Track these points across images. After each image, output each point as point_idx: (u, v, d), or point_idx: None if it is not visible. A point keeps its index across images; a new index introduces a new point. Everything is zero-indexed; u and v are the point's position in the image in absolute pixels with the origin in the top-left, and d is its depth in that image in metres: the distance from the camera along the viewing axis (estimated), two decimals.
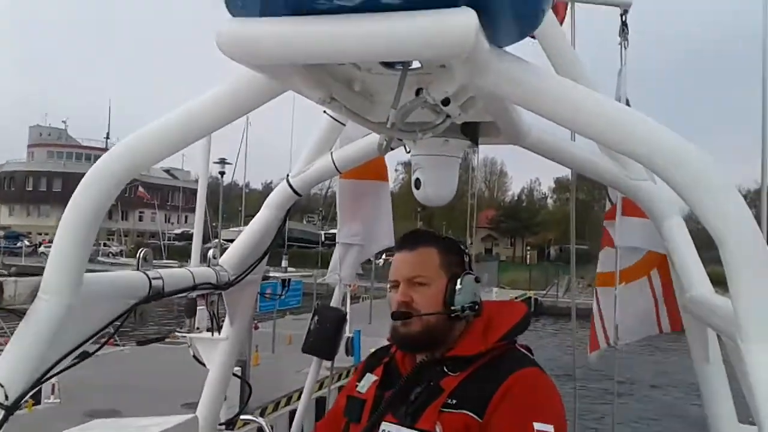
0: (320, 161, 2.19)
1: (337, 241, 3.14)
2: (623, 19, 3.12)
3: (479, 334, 1.72)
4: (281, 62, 1.18)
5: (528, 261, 57.18)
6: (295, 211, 2.36)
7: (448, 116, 1.44)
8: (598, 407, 14.14)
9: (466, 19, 1.02)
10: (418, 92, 1.36)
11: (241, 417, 2.55)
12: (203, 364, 2.25)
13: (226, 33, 1.13)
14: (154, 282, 1.64)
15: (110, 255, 58.81)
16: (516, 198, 76.50)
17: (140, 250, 1.82)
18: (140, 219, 63.46)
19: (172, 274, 1.79)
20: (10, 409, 1.19)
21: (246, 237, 2.15)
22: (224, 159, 19.17)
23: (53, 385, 12.53)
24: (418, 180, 1.94)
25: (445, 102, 1.37)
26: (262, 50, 1.12)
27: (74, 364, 1.37)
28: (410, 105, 1.36)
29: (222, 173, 21.15)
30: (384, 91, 1.48)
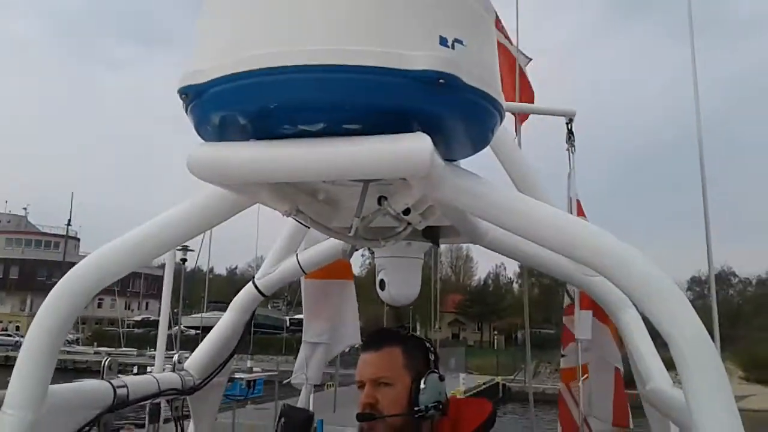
0: (286, 263, 2.24)
1: (303, 340, 3.14)
2: (569, 127, 3.36)
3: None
4: (249, 182, 1.25)
5: (495, 346, 56.98)
6: None
7: (409, 224, 1.51)
8: None
9: (421, 143, 1.10)
10: (380, 200, 1.43)
11: None
12: None
13: (197, 156, 1.20)
14: (118, 390, 1.64)
15: (66, 343, 56.82)
16: (482, 283, 76.97)
17: (104, 359, 1.83)
18: (99, 306, 61.81)
19: (137, 382, 1.79)
20: None
21: (211, 340, 2.16)
22: (186, 246, 19.03)
23: None
24: (382, 281, 2.00)
25: (406, 212, 1.44)
26: (231, 172, 1.20)
27: None
28: (372, 215, 1.43)
29: (184, 260, 20.95)
30: (347, 199, 1.55)
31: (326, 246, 2.17)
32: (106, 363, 1.81)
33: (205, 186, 1.29)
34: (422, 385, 1.73)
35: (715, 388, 1.15)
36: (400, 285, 2.01)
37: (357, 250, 2.01)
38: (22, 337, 60.10)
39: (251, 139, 1.18)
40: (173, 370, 2.02)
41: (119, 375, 1.76)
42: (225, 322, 2.19)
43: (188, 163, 1.20)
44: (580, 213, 3.49)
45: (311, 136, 1.14)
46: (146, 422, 2.18)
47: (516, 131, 3.70)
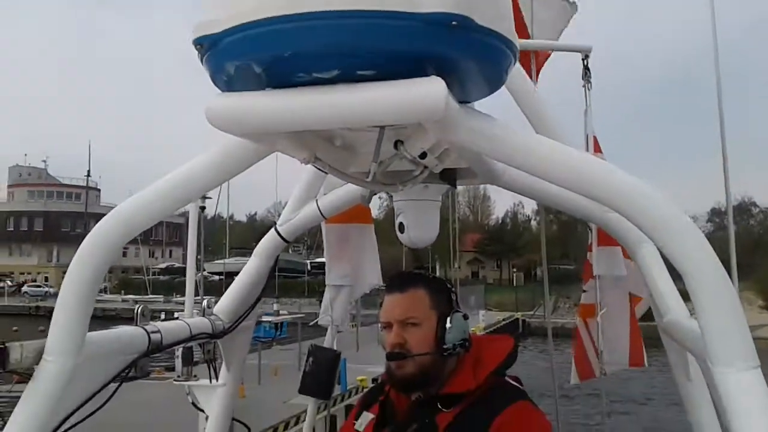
0: (306, 209, 2.28)
1: (327, 283, 3.21)
2: (585, 63, 3.30)
3: (469, 371, 1.79)
4: (267, 131, 1.28)
5: (515, 283, 57.53)
6: None
7: (426, 167, 1.53)
8: (590, 427, 14.11)
9: (435, 87, 1.11)
10: (396, 144, 1.44)
11: None
12: (202, 410, 2.31)
13: (215, 107, 1.22)
14: (152, 336, 1.71)
15: None
16: (500, 221, 77.06)
17: (138, 305, 1.90)
18: (124, 255, 62.98)
19: (170, 327, 1.85)
20: None
21: (238, 285, 2.23)
22: (204, 194, 19.21)
23: None
24: (401, 224, 2.03)
25: (422, 155, 1.46)
26: (249, 122, 1.22)
27: (82, 420, 1.43)
28: (389, 160, 1.46)
29: (203, 208, 21.21)
30: (364, 143, 1.57)
31: (345, 191, 2.20)
32: (139, 310, 1.88)
33: (223, 135, 1.31)
34: (448, 324, 1.79)
35: (730, 320, 1.18)
36: (419, 228, 2.04)
37: (376, 194, 2.05)
38: (52, 287, 61.89)
39: (267, 88, 1.19)
40: (203, 315, 2.09)
41: (152, 321, 1.83)
42: (250, 268, 2.25)
43: (206, 115, 1.22)
44: (597, 150, 3.47)
45: (326, 83, 1.15)
46: (180, 365, 2.27)
47: (532, 69, 3.63)
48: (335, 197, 2.24)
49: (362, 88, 1.14)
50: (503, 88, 1.44)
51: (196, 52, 1.23)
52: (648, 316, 2.17)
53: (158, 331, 1.74)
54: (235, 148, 1.43)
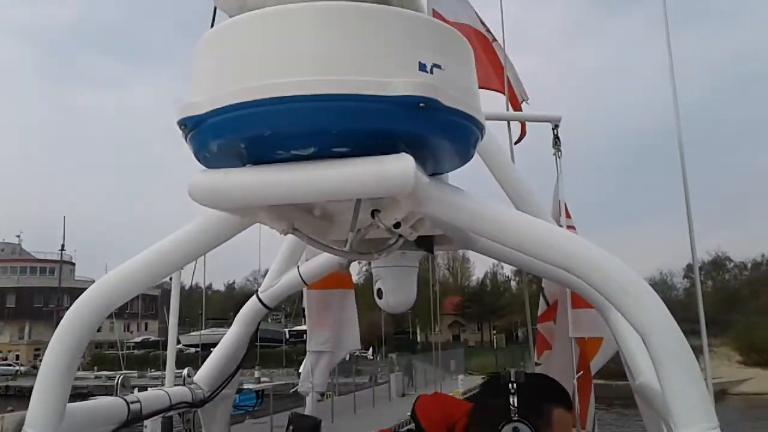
0: (288, 275, 2.33)
1: (308, 349, 3.23)
2: (555, 132, 3.46)
3: None
4: (248, 206, 1.34)
5: (495, 345, 57.13)
6: None
7: (400, 236, 1.59)
8: None
9: (404, 163, 1.20)
10: (373, 213, 1.50)
11: None
12: None
13: (198, 184, 1.29)
14: (132, 406, 1.72)
15: None
16: (480, 283, 77.09)
17: (118, 376, 1.91)
18: (98, 330, 60.94)
19: (149, 396, 1.86)
20: None
21: (218, 353, 2.25)
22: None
23: None
24: (380, 290, 2.09)
25: (397, 225, 1.52)
26: (231, 197, 1.29)
27: None
28: (366, 229, 1.52)
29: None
30: (342, 213, 1.62)
31: (325, 258, 2.26)
32: (120, 380, 1.89)
33: (204, 209, 1.38)
34: None
35: (689, 382, 1.22)
36: (397, 293, 2.10)
37: (353, 261, 2.11)
38: (22, 365, 59.82)
39: (248, 164, 1.27)
40: (183, 384, 2.10)
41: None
42: (231, 336, 2.28)
43: (189, 191, 1.29)
44: (567, 216, 3.58)
45: (304, 159, 1.23)
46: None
47: (510, 138, 3.79)
48: (316, 264, 2.30)
49: (337, 165, 1.22)
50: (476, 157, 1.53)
51: (181, 132, 1.31)
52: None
53: (138, 401, 1.75)
54: (216, 220, 1.48)
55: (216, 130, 1.24)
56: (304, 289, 3.08)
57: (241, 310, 2.34)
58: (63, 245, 67.49)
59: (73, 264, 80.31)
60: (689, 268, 57.88)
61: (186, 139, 1.31)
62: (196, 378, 2.17)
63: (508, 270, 76.71)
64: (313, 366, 3.22)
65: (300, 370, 3.38)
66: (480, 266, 78.15)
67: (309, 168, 1.23)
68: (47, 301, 71.43)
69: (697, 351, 1.41)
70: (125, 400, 1.72)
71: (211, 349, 2.30)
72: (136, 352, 60.25)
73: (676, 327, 1.25)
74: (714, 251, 61.93)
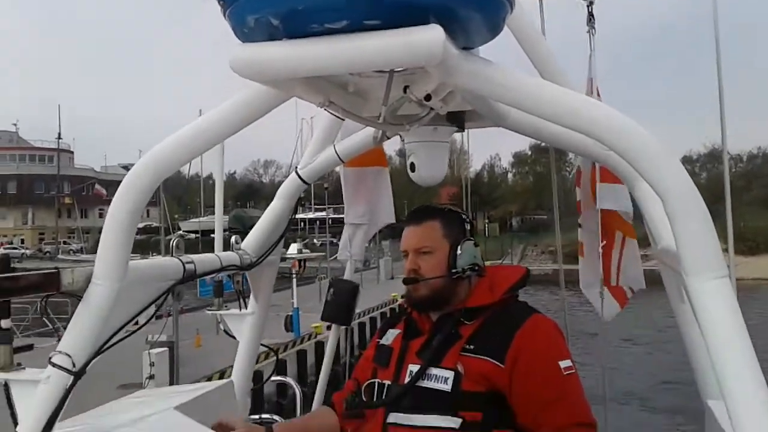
0: (325, 153, 2.45)
1: (345, 222, 3.46)
2: (590, 10, 3.43)
3: (486, 290, 2.01)
4: (284, 77, 1.42)
5: (487, 234, 58.16)
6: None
7: (431, 109, 1.66)
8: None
9: (433, 34, 1.24)
10: (405, 89, 1.58)
11: (272, 378, 2.84)
12: (233, 337, 2.54)
13: (238, 57, 1.36)
14: (187, 266, 1.86)
15: (71, 252, 57.98)
16: (476, 175, 77.48)
17: (173, 239, 2.07)
18: (100, 216, 62.20)
19: (202, 259, 2.01)
20: (78, 374, 1.41)
21: (263, 223, 2.41)
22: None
23: None
24: (412, 164, 2.21)
25: (428, 97, 1.59)
26: (269, 69, 1.36)
27: (126, 337, 1.60)
28: (397, 103, 1.61)
29: None
30: (375, 89, 1.71)
31: (361, 135, 2.37)
32: (175, 242, 2.05)
33: (244, 84, 1.45)
34: (459, 251, 1.99)
35: (700, 232, 1.30)
36: (429, 167, 2.22)
37: (388, 138, 2.23)
38: (28, 248, 60.93)
39: (283, 38, 1.32)
40: (231, 250, 2.29)
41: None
42: (273, 208, 2.43)
43: (231, 64, 1.36)
44: (598, 95, 3.62)
45: (337, 32, 1.28)
46: (213, 293, 2.49)
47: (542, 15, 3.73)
48: (351, 142, 2.41)
49: (368, 36, 1.27)
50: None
51: (220, 7, 1.36)
52: None
53: (192, 262, 1.89)
54: (257, 94, 1.56)
55: (252, 4, 1.29)
56: (341, 167, 3.24)
57: (282, 185, 2.48)
58: (59, 133, 67.09)
59: (72, 152, 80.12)
60: (685, 159, 57.94)
61: (224, 15, 1.36)
62: (243, 245, 2.34)
63: (505, 162, 77.14)
64: (350, 237, 3.46)
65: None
66: (478, 158, 78.35)
67: (341, 40, 1.28)
68: (48, 188, 71.91)
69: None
70: (181, 260, 1.86)
71: (211, 235, 2.42)
72: (138, 236, 61.24)
73: (693, 187, 1.32)
74: (711, 144, 61.83)
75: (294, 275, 17.11)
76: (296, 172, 2.46)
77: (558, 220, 4.62)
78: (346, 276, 3.34)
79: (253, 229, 2.40)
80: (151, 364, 11.51)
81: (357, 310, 3.07)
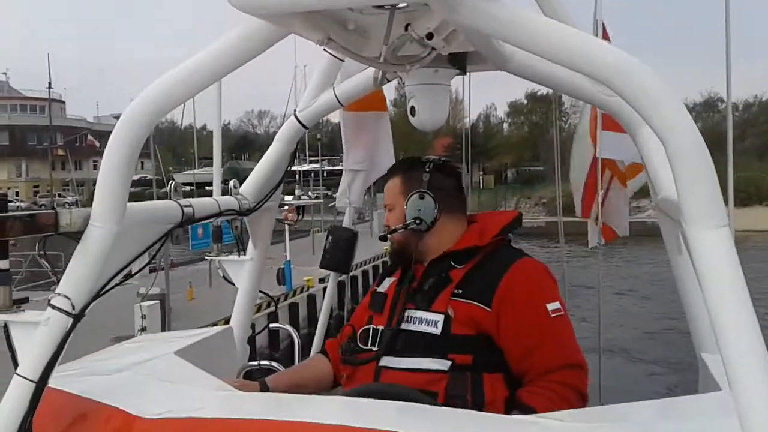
0: (324, 96, 2.39)
1: (344, 168, 3.40)
2: None
3: (476, 234, 2.03)
4: (284, 11, 1.36)
5: (482, 185, 58.16)
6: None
7: (433, 49, 1.61)
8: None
9: None
10: (406, 27, 1.53)
11: (271, 326, 2.85)
12: (232, 283, 2.53)
13: None
14: (185, 209, 1.83)
15: (66, 205, 57.90)
16: (472, 125, 76.91)
17: (170, 182, 2.04)
18: (95, 168, 61.93)
19: (200, 203, 1.97)
20: (77, 317, 1.39)
21: (261, 168, 2.37)
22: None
23: None
24: (413, 108, 2.17)
25: (429, 36, 1.53)
26: (269, 3, 1.31)
27: (125, 280, 1.58)
28: (398, 41, 1.55)
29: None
30: (376, 27, 1.65)
31: (361, 78, 2.31)
32: (172, 185, 2.01)
33: (242, 19, 1.40)
34: (405, 206, 2.04)
35: (701, 180, 1.25)
36: (429, 110, 2.17)
37: (388, 80, 2.17)
38: (23, 201, 60.90)
39: None
40: (230, 195, 2.25)
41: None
42: (272, 153, 2.39)
43: None
44: (605, 35, 3.54)
45: None
46: (210, 241, 2.47)
47: None
48: (351, 85, 2.35)
49: None
50: None
51: None
52: None
53: (190, 206, 1.86)
54: (255, 30, 1.51)
55: None
56: (340, 111, 3.16)
57: (280, 129, 2.43)
58: (50, 83, 65.86)
59: (63, 102, 79.15)
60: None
61: None
62: (241, 190, 2.30)
63: (501, 112, 76.54)
64: (349, 183, 3.41)
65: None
66: (473, 108, 77.63)
67: None
68: (40, 139, 71.24)
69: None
70: (179, 203, 1.83)
71: (206, 188, 2.38)
72: (133, 189, 61.11)
73: (696, 131, 1.27)
74: (707, 92, 61.35)
75: (287, 224, 17.16)
76: (295, 116, 2.41)
77: (559, 170, 4.61)
78: (345, 224, 3.29)
79: (252, 174, 2.37)
80: (143, 317, 11.64)
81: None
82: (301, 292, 17.63)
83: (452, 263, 1.98)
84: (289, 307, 15.99)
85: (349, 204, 3.36)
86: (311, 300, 17.24)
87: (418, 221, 2.02)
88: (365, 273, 19.85)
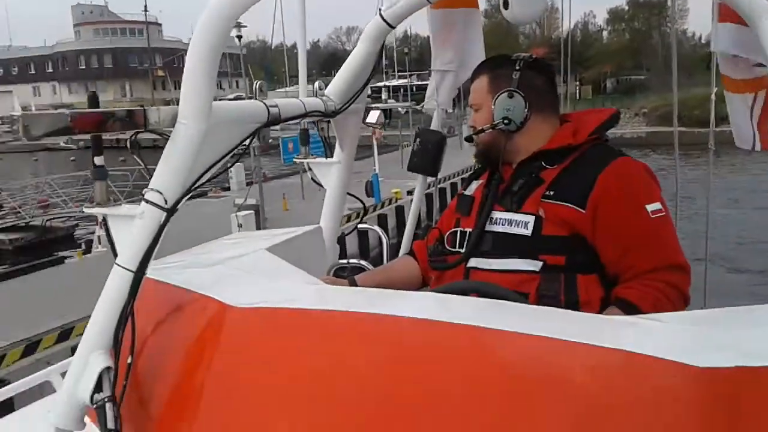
0: None
1: (432, 69, 3.26)
2: None
3: (569, 133, 1.91)
4: None
5: (579, 96, 55.37)
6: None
7: None
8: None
9: None
10: None
11: (360, 226, 2.87)
12: (321, 185, 2.55)
13: None
14: (271, 110, 1.79)
15: None
16: (568, 34, 72.85)
17: (255, 82, 2.02)
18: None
19: (286, 103, 1.94)
20: (170, 211, 1.41)
21: (346, 69, 2.30)
22: (239, 23, 19.27)
23: (99, 236, 13.88)
24: (506, 0, 2.03)
25: None
26: None
27: (214, 177, 1.59)
28: None
29: (239, 37, 21.12)
30: None
31: None
32: (257, 86, 2.00)
33: None
34: (493, 106, 1.94)
35: None
36: (524, 2, 2.03)
37: None
38: None
39: None
40: (315, 96, 2.22)
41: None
42: (357, 53, 2.31)
43: None
44: None
45: None
46: (299, 143, 2.48)
47: None
48: None
49: None
50: None
51: None
52: None
53: (276, 106, 1.83)
54: None
55: None
56: (427, 9, 2.99)
57: (365, 29, 2.34)
58: (145, 5, 67.73)
59: (160, 25, 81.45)
60: None
61: None
62: (327, 91, 2.25)
63: (600, 19, 71.96)
64: (438, 85, 3.24)
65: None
66: (571, 16, 73.39)
67: None
68: (141, 61, 74.14)
69: None
70: (265, 103, 1.80)
71: None
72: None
73: None
74: None
75: (375, 136, 17.22)
76: (380, 15, 2.30)
77: (676, 75, 4.23)
78: (433, 126, 3.15)
79: (337, 76, 2.31)
80: (239, 226, 12.24)
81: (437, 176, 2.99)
82: (390, 203, 17.93)
83: (543, 164, 1.88)
84: (378, 218, 16.38)
85: (437, 106, 3.21)
86: (399, 211, 17.55)
87: (506, 121, 1.93)
88: (453, 185, 19.75)
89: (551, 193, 1.80)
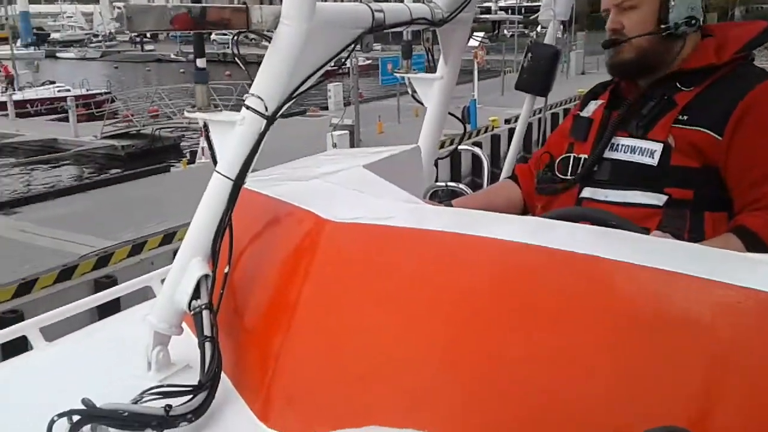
0: None
1: None
2: None
3: (711, 51, 1.67)
4: None
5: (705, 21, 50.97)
6: None
7: None
8: None
9: None
10: None
11: (460, 147, 2.73)
12: (421, 103, 2.40)
13: None
14: (376, 14, 1.70)
15: None
16: None
17: None
18: None
19: (392, 8, 1.83)
20: (270, 119, 1.36)
21: None
22: None
23: (202, 147, 14.48)
24: None
25: None
26: None
27: (316, 84, 1.51)
28: None
29: None
30: None
31: None
32: None
33: None
34: (672, 1, 1.65)
35: None
36: None
37: None
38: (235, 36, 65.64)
39: None
40: (422, 2, 2.06)
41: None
42: None
43: None
44: None
45: None
46: (400, 55, 2.35)
47: None
48: None
49: None
50: None
51: None
52: None
53: (381, 11, 1.73)
54: None
55: None
56: None
57: None
58: None
59: None
60: None
61: None
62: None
63: None
64: None
65: None
66: None
67: None
68: None
69: None
70: (370, 7, 1.71)
71: None
72: None
73: None
74: None
75: (476, 59, 16.67)
76: None
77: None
78: (548, 40, 2.84)
79: None
80: (334, 145, 12.46)
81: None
82: (486, 131, 17.47)
83: (678, 85, 1.65)
84: (473, 146, 16.01)
85: (554, 17, 2.92)
86: (495, 140, 17.07)
87: (692, 22, 1.66)
88: (555, 116, 18.90)
89: (685, 117, 1.60)
